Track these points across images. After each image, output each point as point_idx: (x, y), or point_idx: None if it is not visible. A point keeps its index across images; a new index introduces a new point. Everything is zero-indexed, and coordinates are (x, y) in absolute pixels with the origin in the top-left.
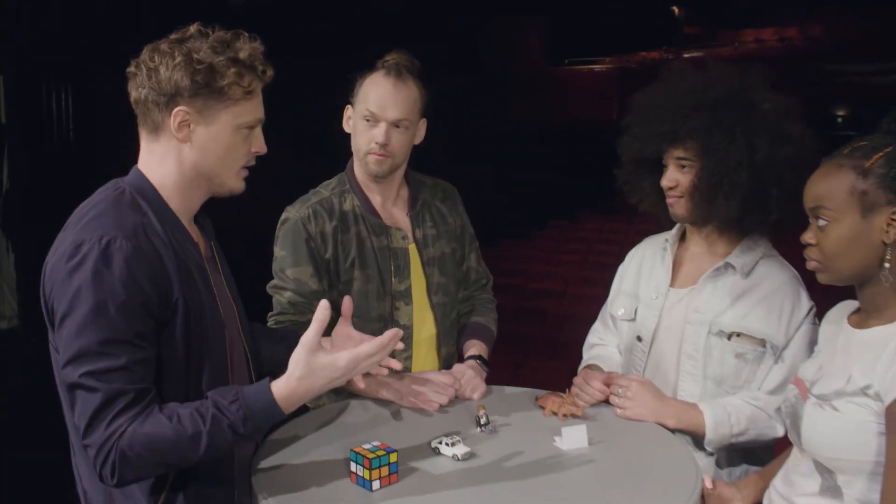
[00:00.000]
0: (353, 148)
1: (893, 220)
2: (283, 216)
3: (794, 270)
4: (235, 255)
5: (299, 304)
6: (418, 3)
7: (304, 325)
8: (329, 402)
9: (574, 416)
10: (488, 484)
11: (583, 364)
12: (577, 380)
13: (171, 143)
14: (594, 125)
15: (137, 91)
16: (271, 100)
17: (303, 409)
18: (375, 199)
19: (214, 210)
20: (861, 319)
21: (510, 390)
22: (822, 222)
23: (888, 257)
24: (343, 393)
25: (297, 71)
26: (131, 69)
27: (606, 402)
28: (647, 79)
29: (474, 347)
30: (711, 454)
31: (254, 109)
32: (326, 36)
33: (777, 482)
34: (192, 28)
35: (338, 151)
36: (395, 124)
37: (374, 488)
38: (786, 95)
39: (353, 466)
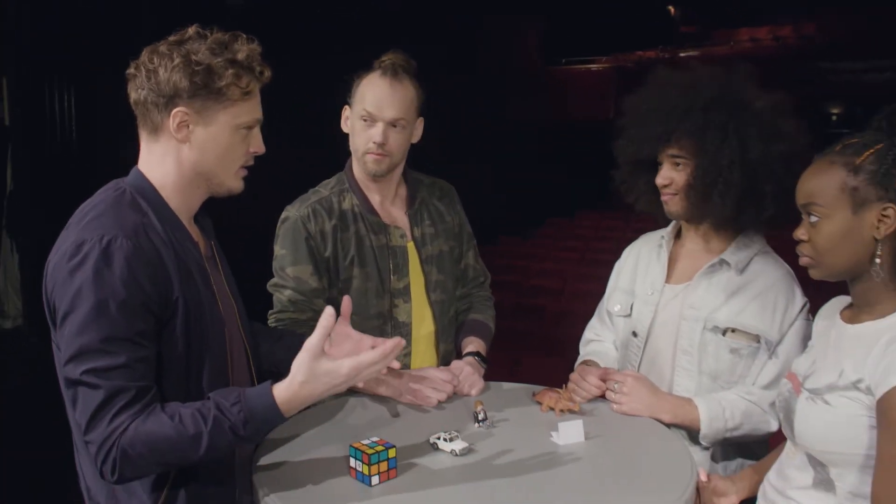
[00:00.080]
0: (352, 148)
1: (884, 216)
2: (283, 215)
3: (788, 267)
4: (235, 254)
5: (299, 302)
6: (416, 3)
7: (304, 323)
8: (328, 399)
9: (570, 411)
10: (486, 479)
11: (579, 360)
12: (573, 375)
13: (170, 143)
14: (592, 124)
15: (137, 92)
16: (270, 100)
17: None
18: (374, 198)
19: (214, 210)
20: (853, 315)
21: (508, 386)
22: (813, 218)
23: (879, 253)
24: None
25: (296, 71)
26: (131, 71)
27: (603, 397)
28: (643, 78)
29: (472, 344)
30: (707, 448)
31: (252, 110)
32: (325, 36)
33: (771, 475)
34: (191, 30)
35: (337, 151)
36: (393, 124)
37: (373, 483)
38: (777, 92)
39: (352, 462)
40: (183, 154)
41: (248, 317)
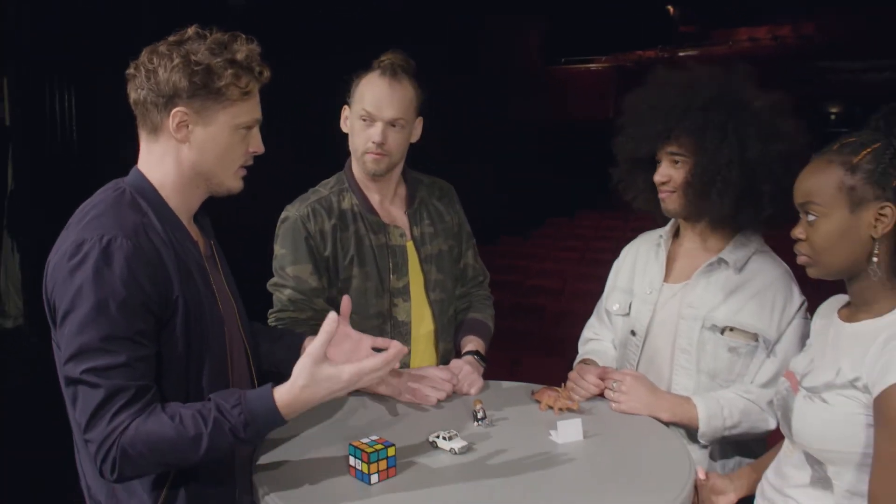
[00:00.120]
0: (351, 147)
1: (881, 215)
2: (283, 215)
3: (786, 266)
4: (234, 254)
5: (299, 302)
6: (418, 3)
7: (304, 322)
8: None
9: (569, 409)
10: (485, 477)
11: (578, 359)
12: (572, 374)
13: (169, 143)
14: (591, 124)
15: (136, 92)
16: (271, 100)
17: None
18: (374, 198)
19: (213, 209)
20: (851, 313)
21: (507, 385)
22: (811, 217)
23: (876, 252)
24: None
25: (296, 71)
26: (130, 71)
27: (601, 396)
28: (643, 78)
29: (471, 343)
30: (705, 447)
31: (251, 110)
32: (326, 36)
33: (769, 474)
34: (190, 30)
35: (337, 151)
36: (392, 123)
37: (372, 482)
38: (776, 92)
39: (351, 460)
40: (182, 154)
41: (247, 316)
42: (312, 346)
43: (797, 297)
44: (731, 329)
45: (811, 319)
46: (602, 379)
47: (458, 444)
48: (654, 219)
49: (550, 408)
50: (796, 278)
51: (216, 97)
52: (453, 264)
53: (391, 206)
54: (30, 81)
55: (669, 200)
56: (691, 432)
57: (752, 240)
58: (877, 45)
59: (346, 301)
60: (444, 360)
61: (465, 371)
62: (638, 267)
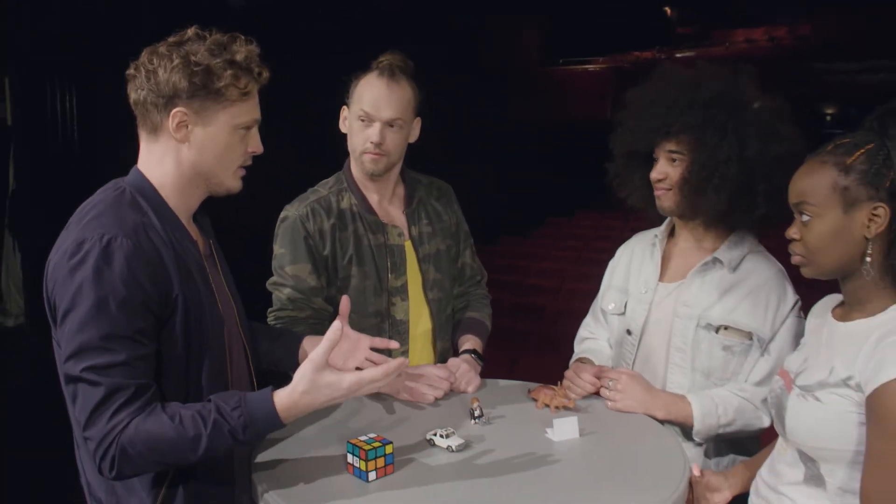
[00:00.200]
0: (349, 148)
1: (874, 215)
2: (283, 214)
3: (780, 265)
4: (234, 254)
5: (298, 301)
6: (418, 3)
7: (303, 321)
8: None
9: (566, 408)
10: (482, 474)
11: (574, 357)
12: (568, 373)
13: (169, 143)
14: (590, 124)
15: (137, 93)
16: (271, 100)
17: None
18: (372, 198)
19: (213, 209)
20: (844, 312)
21: (504, 383)
22: (805, 218)
23: (869, 252)
24: None
25: (296, 71)
26: (130, 71)
27: (597, 394)
28: (641, 78)
29: (469, 342)
30: (700, 444)
31: (250, 110)
32: (326, 36)
33: (763, 471)
34: (190, 31)
35: (336, 151)
36: (390, 124)
37: (370, 479)
38: (776, 96)
39: (349, 458)
40: (182, 154)
41: (247, 316)
42: (315, 353)
43: (791, 297)
44: (726, 328)
45: (805, 318)
46: (598, 377)
47: (455, 441)
48: (649, 217)
49: (547, 406)
50: (790, 278)
51: (215, 97)
52: (451, 264)
53: (390, 206)
54: (30, 81)
55: (665, 198)
56: (686, 430)
57: (747, 240)
58: (872, 47)
59: (344, 301)
60: (441, 358)
61: (463, 369)
62: (633, 266)
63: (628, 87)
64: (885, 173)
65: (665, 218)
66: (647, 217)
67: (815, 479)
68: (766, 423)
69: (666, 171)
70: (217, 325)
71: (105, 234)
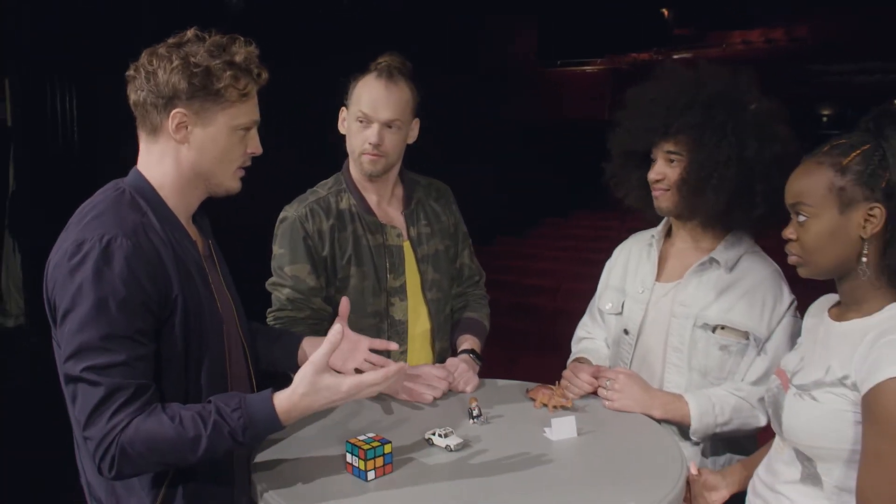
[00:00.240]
0: (348, 149)
1: (870, 215)
2: (282, 215)
3: (777, 265)
4: (233, 254)
5: (297, 301)
6: (418, 3)
7: (302, 321)
8: None
9: (563, 407)
10: (480, 474)
11: (571, 357)
12: (566, 373)
13: (169, 144)
14: (587, 125)
15: (136, 94)
16: (270, 101)
17: None
18: (371, 198)
19: (212, 210)
20: (840, 312)
21: (502, 383)
22: (801, 218)
23: (865, 252)
24: None
25: (296, 72)
26: (130, 72)
27: (595, 393)
28: (638, 79)
29: (467, 342)
30: (697, 444)
31: (249, 111)
32: (325, 37)
33: (760, 470)
34: (190, 32)
35: (335, 152)
36: (388, 125)
37: (369, 478)
38: (774, 97)
39: (348, 458)
40: (181, 154)
41: (246, 316)
42: (315, 355)
43: (787, 296)
44: (723, 327)
45: (801, 318)
46: (595, 377)
47: (453, 441)
48: (646, 217)
49: (545, 405)
50: (787, 278)
51: (215, 98)
52: (449, 264)
53: (388, 207)
54: (31, 82)
55: (663, 199)
56: (683, 429)
57: (743, 240)
58: (868, 48)
59: (344, 302)
60: (440, 358)
61: (461, 369)
62: (630, 266)
63: (625, 88)
64: (880, 174)
65: (662, 218)
66: (644, 217)
67: (811, 477)
68: (762, 422)
69: (664, 171)
70: (216, 326)
71: (105, 234)
